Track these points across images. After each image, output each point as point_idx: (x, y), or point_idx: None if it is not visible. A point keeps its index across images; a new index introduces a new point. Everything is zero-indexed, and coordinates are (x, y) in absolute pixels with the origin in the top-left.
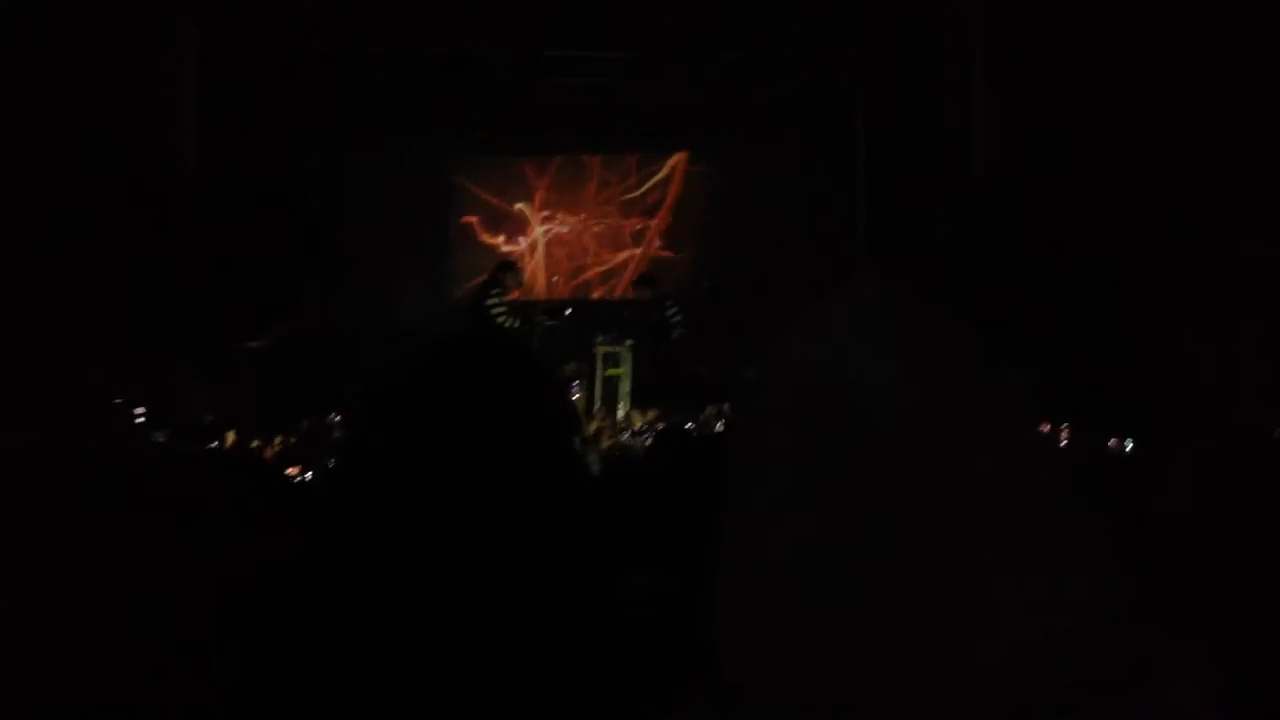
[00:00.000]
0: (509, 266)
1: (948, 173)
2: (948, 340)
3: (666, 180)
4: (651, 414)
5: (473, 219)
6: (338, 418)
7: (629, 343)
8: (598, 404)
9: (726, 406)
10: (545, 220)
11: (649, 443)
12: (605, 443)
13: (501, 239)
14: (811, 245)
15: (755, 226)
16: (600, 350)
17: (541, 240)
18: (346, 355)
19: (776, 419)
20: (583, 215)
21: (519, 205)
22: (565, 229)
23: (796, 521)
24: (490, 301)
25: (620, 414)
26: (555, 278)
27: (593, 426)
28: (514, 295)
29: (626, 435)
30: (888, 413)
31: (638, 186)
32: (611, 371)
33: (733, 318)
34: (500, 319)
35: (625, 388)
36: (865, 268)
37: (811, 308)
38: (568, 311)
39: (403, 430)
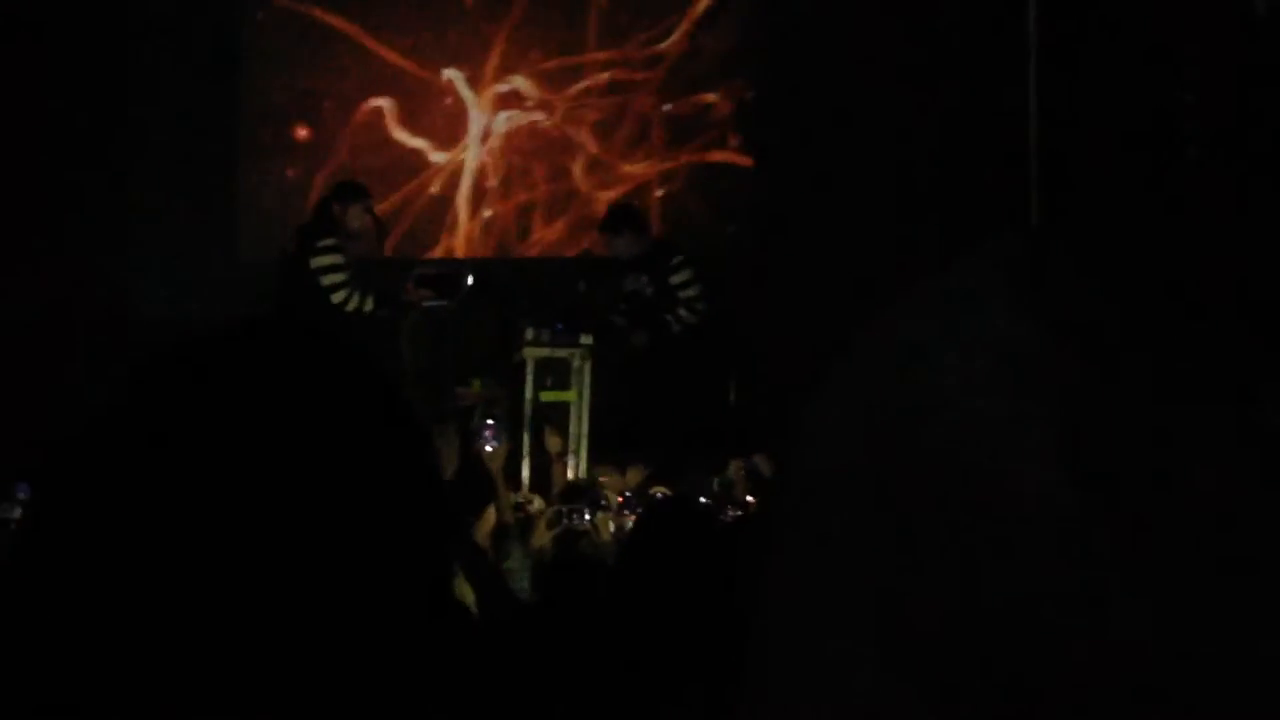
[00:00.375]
0: (352, 193)
1: (1194, 26)
2: (1188, 362)
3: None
4: (633, 474)
5: (382, 105)
6: (21, 492)
7: (587, 341)
8: (527, 459)
9: (765, 465)
10: (502, 101)
11: (628, 527)
12: (541, 536)
13: (424, 140)
14: (946, 161)
15: (852, 118)
16: (530, 355)
17: (479, 140)
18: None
19: (838, 500)
20: (575, 88)
21: (450, 72)
22: (540, 116)
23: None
24: (319, 262)
25: (571, 474)
26: (492, 212)
27: (512, 504)
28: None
29: (581, 518)
30: (1045, 509)
31: (672, 31)
32: (553, 396)
33: (796, 295)
34: (335, 293)
35: (580, 426)
36: (1040, 211)
37: (917, 290)
38: (469, 280)
39: (124, 514)
